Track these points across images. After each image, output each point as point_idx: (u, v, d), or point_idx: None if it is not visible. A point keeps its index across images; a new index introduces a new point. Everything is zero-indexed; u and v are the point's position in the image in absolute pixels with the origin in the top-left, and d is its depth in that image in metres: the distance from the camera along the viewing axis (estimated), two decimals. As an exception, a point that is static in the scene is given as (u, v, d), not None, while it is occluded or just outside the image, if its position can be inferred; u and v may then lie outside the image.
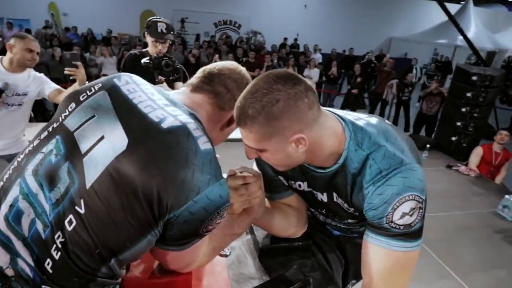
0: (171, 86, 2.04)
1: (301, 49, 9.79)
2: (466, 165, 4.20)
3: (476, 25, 10.99)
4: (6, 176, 0.66)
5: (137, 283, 0.82)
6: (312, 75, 7.02)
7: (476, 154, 4.04)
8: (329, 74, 7.34)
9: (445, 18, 5.79)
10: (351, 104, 6.88)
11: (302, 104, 0.66)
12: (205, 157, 0.61)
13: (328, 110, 0.80)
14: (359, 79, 6.76)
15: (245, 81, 0.79)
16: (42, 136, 0.68)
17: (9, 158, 2.02)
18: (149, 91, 0.71)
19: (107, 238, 0.58)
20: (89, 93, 0.70)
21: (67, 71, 1.88)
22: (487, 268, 2.59)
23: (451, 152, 4.71)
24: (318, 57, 8.76)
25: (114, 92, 0.69)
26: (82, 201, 0.57)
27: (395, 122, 6.57)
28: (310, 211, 1.08)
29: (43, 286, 0.58)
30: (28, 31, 7.69)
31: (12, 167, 0.67)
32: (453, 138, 4.69)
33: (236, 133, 0.85)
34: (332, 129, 0.74)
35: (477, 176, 4.04)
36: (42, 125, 0.75)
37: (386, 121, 0.82)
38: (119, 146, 0.59)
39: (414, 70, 8.11)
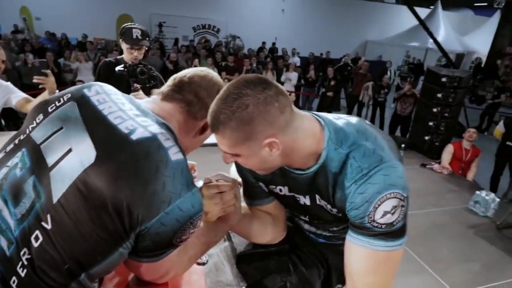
0: (148, 94, 2.01)
1: (280, 53, 9.90)
2: (439, 163, 4.37)
3: (445, 28, 11.53)
4: None
5: (112, 296, 0.81)
6: (291, 78, 7.11)
7: (448, 152, 4.22)
8: (307, 77, 7.47)
9: (416, 22, 6.02)
10: (326, 106, 7.02)
11: (273, 109, 0.66)
12: (176, 168, 0.61)
13: (311, 113, 0.80)
14: (332, 82, 6.92)
15: (216, 87, 0.79)
16: (8, 148, 0.67)
17: None
18: (120, 101, 0.71)
19: (76, 252, 0.57)
20: (57, 104, 0.69)
21: (35, 79, 1.82)
22: (462, 263, 2.70)
23: (425, 151, 4.88)
24: (296, 61, 8.89)
25: (83, 102, 0.68)
26: (48, 216, 0.56)
27: (371, 123, 6.74)
28: (293, 222, 1.08)
29: None
30: (-2, 36, 7.41)
31: None
32: (426, 138, 4.87)
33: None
34: (309, 130, 0.74)
35: (450, 174, 4.21)
36: (12, 134, 0.73)
37: (366, 121, 0.82)
38: (87, 159, 0.58)
39: (388, 72, 8.38)
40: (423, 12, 9.60)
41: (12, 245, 0.57)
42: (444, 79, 4.58)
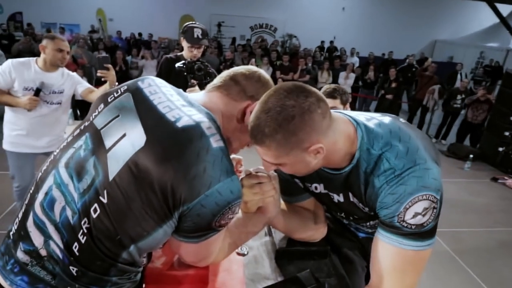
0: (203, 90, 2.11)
1: (338, 52, 9.61)
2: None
3: (532, 27, 10.11)
4: (44, 167, 0.75)
5: (157, 273, 0.87)
6: (348, 79, 6.86)
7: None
8: (365, 78, 7.14)
9: (496, 20, 5.40)
10: (384, 110, 6.62)
11: (316, 116, 0.68)
12: (216, 154, 0.65)
13: (340, 112, 0.81)
14: (394, 84, 6.49)
15: (257, 74, 0.82)
16: (75, 133, 0.76)
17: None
18: (169, 92, 0.77)
19: (126, 226, 0.64)
20: (116, 95, 0.77)
21: (99, 73, 2.03)
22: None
23: (497, 164, 4.39)
24: (355, 61, 8.55)
25: (137, 93, 0.75)
26: (105, 191, 0.64)
27: (439, 131, 6.22)
28: (334, 218, 1.07)
29: (70, 267, 0.65)
30: (78, 35, 8.31)
31: (49, 160, 0.76)
32: (500, 149, 4.37)
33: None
34: (345, 131, 0.75)
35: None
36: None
37: (401, 119, 0.80)
38: (138, 143, 0.65)
39: (459, 76, 7.65)
40: (505, 8, 8.51)
41: (76, 215, 0.65)
42: (525, 84, 4.06)
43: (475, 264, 2.59)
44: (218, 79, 0.83)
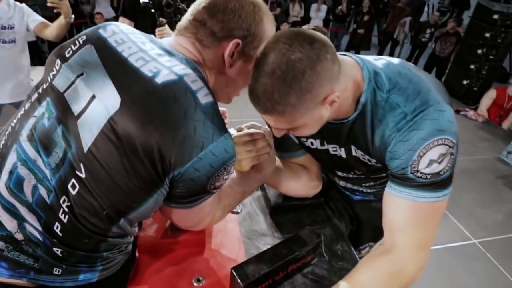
0: (174, 29, 1.89)
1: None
2: (475, 109, 4.11)
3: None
4: (2, 142, 0.62)
5: (150, 241, 0.83)
6: (320, 11, 6.54)
7: (489, 97, 3.93)
8: (337, 11, 6.83)
9: None
10: (356, 45, 6.51)
11: (327, 63, 0.58)
12: (206, 111, 0.56)
13: (345, 55, 0.72)
14: (366, 17, 6.28)
15: (223, 4, 0.64)
16: (33, 98, 0.63)
17: (18, 105, 1.99)
18: (140, 40, 0.64)
19: (113, 200, 0.57)
20: (74, 48, 0.63)
21: (49, 2, 1.76)
22: (485, 211, 2.68)
23: (460, 96, 4.59)
24: (326, -9, 8.08)
25: (100, 45, 0.62)
26: (81, 165, 0.55)
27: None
28: (329, 179, 1.05)
29: (54, 249, 0.58)
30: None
31: (7, 132, 0.63)
32: (465, 82, 4.53)
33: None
34: (353, 75, 0.67)
35: (484, 122, 3.99)
36: (42, 68, 0.68)
37: (409, 63, 0.73)
38: (111, 105, 0.55)
39: (426, 7, 7.52)
40: None
41: (52, 193, 0.57)
42: (495, 16, 4.07)
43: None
44: (190, 18, 0.66)
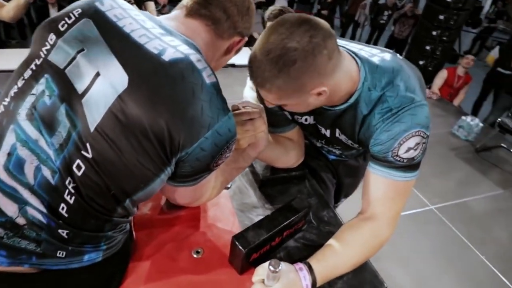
0: (140, 7, 1.81)
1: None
2: (429, 88, 4.41)
3: None
4: None
5: (146, 219, 0.84)
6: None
7: (441, 77, 4.23)
8: (301, -8, 6.87)
9: None
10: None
11: (321, 58, 0.62)
12: (211, 91, 0.58)
13: (342, 47, 0.76)
14: (329, -1, 6.39)
15: (247, 4, 0.71)
16: (26, 75, 0.59)
17: None
18: (139, 18, 0.62)
19: (120, 180, 0.57)
20: (69, 21, 0.60)
21: None
22: (441, 180, 2.94)
23: (417, 76, 4.86)
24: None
25: (99, 19, 0.59)
26: (88, 145, 0.54)
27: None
28: (308, 139, 1.11)
29: (59, 231, 0.57)
30: None
31: None
32: (421, 62, 4.81)
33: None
34: (348, 71, 0.72)
35: (438, 99, 4.30)
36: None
37: (398, 55, 0.80)
38: (119, 83, 0.53)
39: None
40: None
41: (56, 174, 0.55)
42: (449, -1, 4.33)
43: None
44: (197, 1, 0.68)
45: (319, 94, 0.68)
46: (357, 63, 0.75)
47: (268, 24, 1.82)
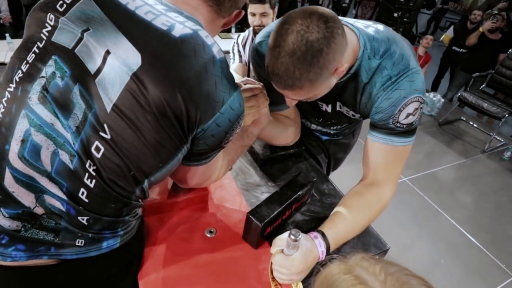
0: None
1: None
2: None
3: None
4: (1, 110, 0.55)
5: (156, 204, 0.83)
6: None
7: (403, 58, 4.43)
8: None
9: None
10: (284, 10, 6.62)
11: (339, 38, 0.64)
12: (222, 66, 0.58)
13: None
14: (296, -18, 6.40)
15: None
16: (30, 58, 0.56)
17: None
18: None
19: (139, 160, 0.56)
20: (67, 1, 0.57)
21: None
22: (410, 154, 3.12)
23: (380, 57, 5.06)
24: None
25: None
26: (105, 126, 0.52)
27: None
28: (302, 121, 1.14)
29: (79, 217, 0.55)
30: None
31: (4, 99, 0.55)
32: (384, 44, 4.99)
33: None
34: (351, 42, 0.74)
35: (402, 78, 4.52)
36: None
37: (388, 27, 0.83)
38: (132, 62, 0.52)
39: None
40: None
41: (75, 158, 0.53)
42: (407, -20, 4.50)
43: (363, 138, 3.20)
44: None
45: (340, 73, 0.70)
46: (356, 35, 0.77)
47: (251, 6, 1.77)
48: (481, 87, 3.62)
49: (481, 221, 2.43)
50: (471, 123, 3.80)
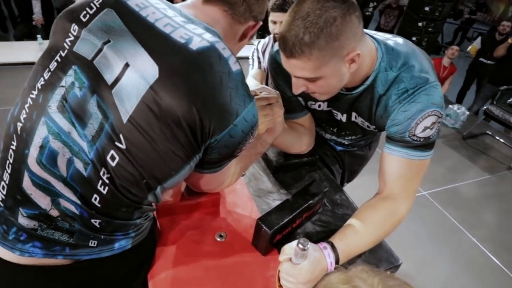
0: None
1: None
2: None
3: None
4: (24, 116, 0.58)
5: (168, 206, 0.85)
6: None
7: (427, 68, 4.33)
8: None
9: None
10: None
11: (355, 18, 0.65)
12: (237, 78, 0.59)
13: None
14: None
15: None
16: (52, 67, 0.59)
17: None
18: (161, 6, 0.63)
19: (153, 168, 0.58)
20: (90, 12, 0.59)
21: None
22: (430, 167, 2.92)
23: (403, 67, 4.97)
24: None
25: (121, 9, 0.59)
26: (121, 136, 0.54)
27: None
28: (316, 130, 1.14)
29: (92, 220, 0.58)
30: None
31: (27, 105, 0.58)
32: (407, 53, 4.90)
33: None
34: (369, 48, 0.75)
35: (425, 89, 4.41)
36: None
37: (408, 40, 0.83)
38: (150, 74, 0.54)
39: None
40: None
41: (89, 166, 0.55)
42: (434, -10, 4.42)
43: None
44: None
45: (352, 61, 0.69)
46: (374, 44, 0.77)
47: (272, 15, 1.77)
48: (509, 100, 3.48)
49: (505, 241, 2.32)
50: (497, 137, 3.65)
